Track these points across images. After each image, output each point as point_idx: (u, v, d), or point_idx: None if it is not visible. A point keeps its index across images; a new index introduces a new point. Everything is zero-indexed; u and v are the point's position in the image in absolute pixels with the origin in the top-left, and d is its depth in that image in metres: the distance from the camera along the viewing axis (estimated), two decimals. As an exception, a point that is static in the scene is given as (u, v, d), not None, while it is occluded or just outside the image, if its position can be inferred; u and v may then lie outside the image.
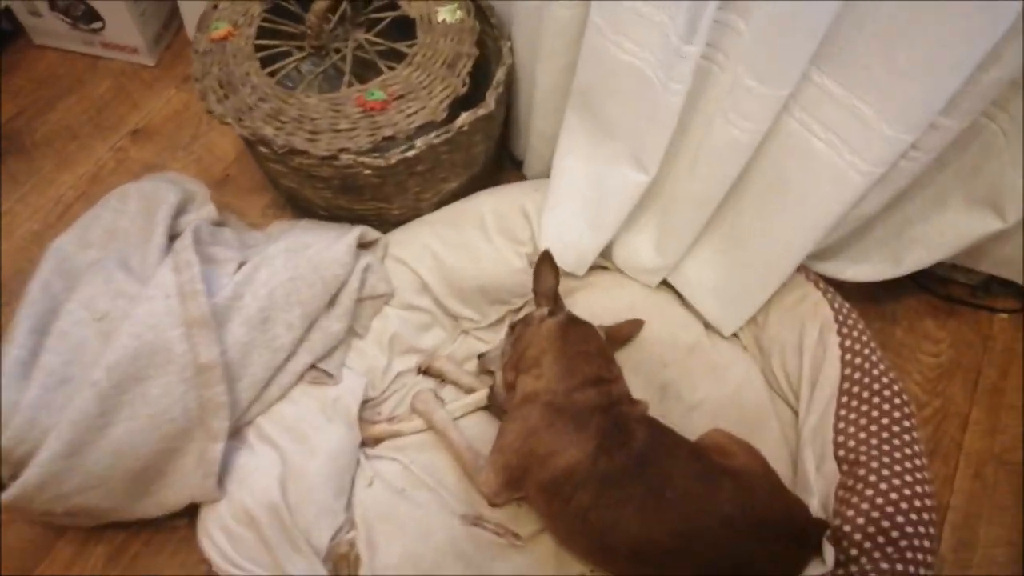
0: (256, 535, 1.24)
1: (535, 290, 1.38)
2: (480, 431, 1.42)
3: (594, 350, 1.31)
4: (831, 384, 1.36)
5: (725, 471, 1.19)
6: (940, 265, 1.66)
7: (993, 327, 1.64)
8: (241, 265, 1.32)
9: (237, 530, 1.24)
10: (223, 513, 1.25)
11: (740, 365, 1.50)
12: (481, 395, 1.45)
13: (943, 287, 1.68)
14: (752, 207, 1.35)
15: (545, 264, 1.39)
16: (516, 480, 1.30)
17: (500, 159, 1.77)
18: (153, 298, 1.20)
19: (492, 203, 1.54)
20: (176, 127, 1.96)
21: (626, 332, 1.50)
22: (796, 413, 1.44)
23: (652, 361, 1.49)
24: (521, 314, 1.48)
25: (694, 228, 1.42)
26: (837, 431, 1.33)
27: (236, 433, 1.33)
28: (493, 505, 1.34)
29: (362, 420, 1.43)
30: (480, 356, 1.48)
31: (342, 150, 1.33)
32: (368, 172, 1.36)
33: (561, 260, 1.51)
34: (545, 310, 1.37)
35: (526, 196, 1.55)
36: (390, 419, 1.45)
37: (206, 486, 1.23)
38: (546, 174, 1.53)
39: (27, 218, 1.78)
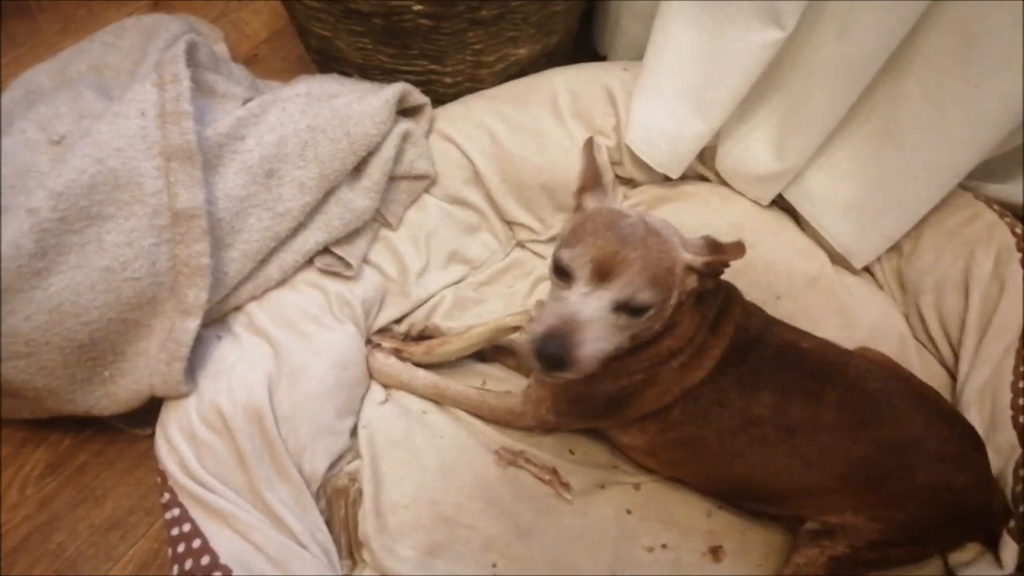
0: (228, 445, 0.94)
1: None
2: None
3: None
4: (1011, 329, 1.02)
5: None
6: None
7: None
8: (247, 103, 1.03)
9: (204, 435, 0.94)
10: (189, 412, 0.96)
11: (876, 305, 1.16)
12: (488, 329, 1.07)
13: None
14: (921, 86, 1.02)
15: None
16: (593, 419, 1.02)
17: (580, 53, 1.46)
18: (123, 116, 0.91)
19: (568, 80, 1.23)
20: (204, 2, 1.70)
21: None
22: (951, 372, 1.10)
23: (760, 290, 1.15)
24: None
25: (831, 119, 1.10)
26: (1017, 391, 0.98)
27: (219, 320, 1.04)
28: (544, 432, 1.06)
29: (376, 334, 1.13)
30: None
31: (388, -30, 1.04)
32: (418, 8, 1.07)
33: (652, 156, 1.21)
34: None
35: (612, 75, 1.24)
36: (401, 343, 1.13)
37: (170, 373, 0.94)
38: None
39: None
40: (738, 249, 0.86)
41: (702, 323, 0.91)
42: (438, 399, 1.08)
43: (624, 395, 0.93)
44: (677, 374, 0.91)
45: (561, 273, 0.82)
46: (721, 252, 0.85)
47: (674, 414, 0.93)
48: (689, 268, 0.85)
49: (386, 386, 1.09)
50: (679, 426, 0.94)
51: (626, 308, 0.80)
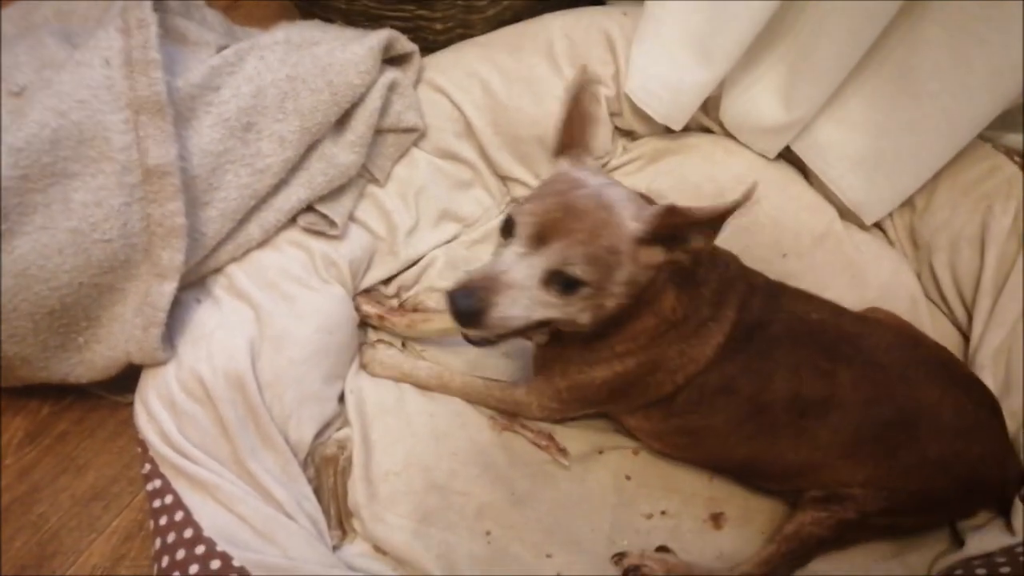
0: (210, 414, 0.91)
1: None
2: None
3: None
4: (1027, 289, 0.97)
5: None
6: None
7: None
8: (221, 51, 0.96)
9: (185, 405, 0.91)
10: (169, 381, 0.92)
11: (886, 264, 1.12)
12: None
13: None
14: (942, 28, 0.96)
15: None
16: (598, 405, 0.98)
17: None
18: (87, 64, 0.85)
19: (565, 26, 1.17)
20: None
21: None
22: (964, 334, 1.06)
23: (766, 248, 1.11)
24: None
25: (843, 66, 1.04)
26: (1034, 353, 0.94)
27: (198, 283, 1.00)
28: (553, 422, 1.02)
29: (360, 295, 1.08)
30: None
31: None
32: (406, -54, 1.00)
33: (653, 106, 1.14)
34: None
35: (611, 20, 1.18)
36: (400, 309, 1.09)
37: (146, 340, 0.90)
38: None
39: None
40: (722, 211, 0.71)
41: (693, 302, 0.85)
42: (442, 390, 1.03)
43: (624, 382, 0.89)
44: (677, 361, 0.87)
45: (506, 230, 0.78)
46: (672, 217, 0.75)
47: (679, 401, 0.90)
48: (641, 241, 0.76)
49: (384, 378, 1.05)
50: (684, 414, 0.91)
51: (558, 280, 0.75)
